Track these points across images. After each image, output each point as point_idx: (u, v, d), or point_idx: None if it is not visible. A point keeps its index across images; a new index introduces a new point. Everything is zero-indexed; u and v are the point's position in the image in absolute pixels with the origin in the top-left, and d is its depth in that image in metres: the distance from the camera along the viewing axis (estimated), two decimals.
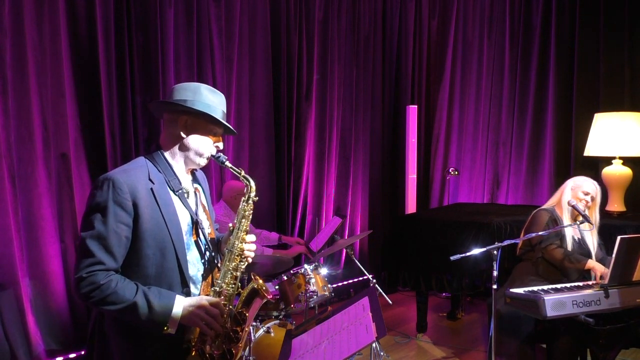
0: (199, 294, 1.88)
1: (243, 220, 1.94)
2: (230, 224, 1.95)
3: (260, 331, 3.22)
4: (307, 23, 5.07)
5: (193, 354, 1.80)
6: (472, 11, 6.08)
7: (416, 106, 5.90)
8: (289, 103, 4.99)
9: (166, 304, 1.71)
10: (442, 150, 6.22)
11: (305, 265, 3.49)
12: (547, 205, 3.48)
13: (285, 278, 3.44)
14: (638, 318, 3.04)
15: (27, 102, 3.34)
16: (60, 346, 3.57)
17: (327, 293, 3.52)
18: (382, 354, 3.46)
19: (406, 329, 4.67)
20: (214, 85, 4.41)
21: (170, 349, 1.79)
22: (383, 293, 3.64)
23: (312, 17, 5.10)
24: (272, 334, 3.21)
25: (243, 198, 1.97)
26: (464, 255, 3.01)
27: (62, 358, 3.58)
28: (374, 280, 3.59)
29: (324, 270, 3.67)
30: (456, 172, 5.80)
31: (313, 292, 3.41)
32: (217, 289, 1.86)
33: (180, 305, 1.73)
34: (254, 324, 3.20)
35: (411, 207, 5.83)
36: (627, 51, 5.19)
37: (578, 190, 3.35)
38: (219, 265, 1.92)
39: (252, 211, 1.97)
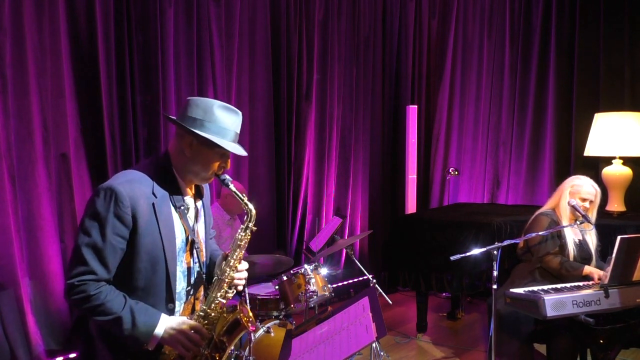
0: (181, 311, 1.89)
1: (238, 250, 1.91)
2: (222, 252, 1.94)
3: (260, 331, 3.22)
4: (307, 23, 5.07)
5: None
6: (472, 11, 6.08)
7: (416, 106, 5.90)
8: (289, 103, 4.99)
9: (150, 324, 1.73)
10: (442, 150, 6.21)
11: (305, 265, 3.49)
12: (546, 208, 3.45)
13: (285, 278, 3.43)
14: (638, 318, 3.04)
15: (27, 102, 3.34)
16: (60, 346, 3.57)
17: (327, 293, 3.52)
18: (382, 354, 3.46)
19: (406, 329, 4.67)
20: (214, 85, 4.42)
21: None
22: (383, 293, 3.64)
23: (312, 17, 5.10)
24: (272, 334, 3.21)
25: (242, 226, 1.93)
26: (464, 255, 3.01)
27: (62, 358, 3.58)
28: (374, 280, 3.59)
29: (324, 270, 3.67)
30: (456, 172, 5.80)
31: (313, 292, 3.40)
32: (202, 314, 1.86)
33: (162, 326, 1.75)
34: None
35: (411, 207, 5.82)
36: (627, 51, 5.19)
37: (576, 195, 3.32)
38: (206, 285, 1.92)
39: (248, 241, 1.94)
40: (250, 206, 1.93)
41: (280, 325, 3.37)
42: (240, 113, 1.91)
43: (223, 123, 1.83)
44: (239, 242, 1.92)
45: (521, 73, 5.78)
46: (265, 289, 3.72)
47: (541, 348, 3.46)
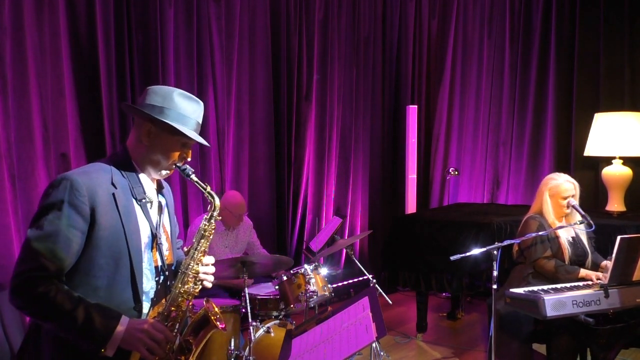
0: (149, 313, 1.75)
1: (202, 240, 1.79)
2: (186, 247, 1.83)
3: (260, 331, 3.22)
4: (307, 23, 5.07)
5: None
6: (472, 11, 6.07)
7: (416, 106, 5.89)
8: (289, 103, 4.99)
9: (108, 323, 1.55)
10: (442, 150, 6.21)
11: (305, 265, 3.49)
12: (532, 212, 3.43)
13: (285, 278, 3.43)
14: (638, 318, 3.04)
15: (27, 102, 3.35)
16: None
17: (327, 293, 3.52)
18: (382, 354, 3.46)
19: (406, 329, 4.67)
20: (214, 85, 4.42)
21: None
22: (383, 293, 3.64)
23: (312, 17, 5.10)
24: (272, 334, 3.21)
25: (205, 216, 1.83)
26: (464, 255, 3.01)
27: None
28: (374, 280, 3.58)
29: (324, 270, 3.67)
30: (456, 172, 5.80)
31: (313, 292, 3.40)
32: (165, 312, 1.72)
33: (123, 325, 1.57)
34: (254, 324, 3.20)
35: (411, 207, 5.82)
36: (627, 51, 5.19)
37: (557, 197, 3.30)
38: (172, 287, 1.79)
39: (213, 232, 1.82)
40: (214, 194, 1.81)
41: (280, 325, 3.37)
42: (201, 103, 1.81)
43: (183, 110, 1.73)
44: (202, 232, 1.79)
45: (521, 73, 5.77)
46: (265, 289, 3.72)
47: (541, 348, 3.46)
